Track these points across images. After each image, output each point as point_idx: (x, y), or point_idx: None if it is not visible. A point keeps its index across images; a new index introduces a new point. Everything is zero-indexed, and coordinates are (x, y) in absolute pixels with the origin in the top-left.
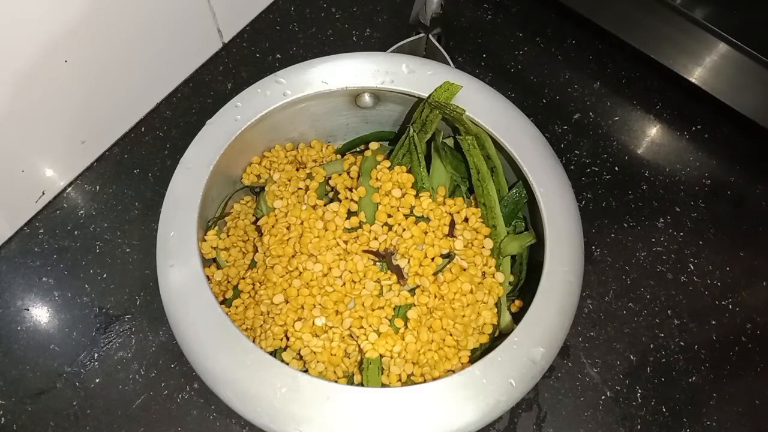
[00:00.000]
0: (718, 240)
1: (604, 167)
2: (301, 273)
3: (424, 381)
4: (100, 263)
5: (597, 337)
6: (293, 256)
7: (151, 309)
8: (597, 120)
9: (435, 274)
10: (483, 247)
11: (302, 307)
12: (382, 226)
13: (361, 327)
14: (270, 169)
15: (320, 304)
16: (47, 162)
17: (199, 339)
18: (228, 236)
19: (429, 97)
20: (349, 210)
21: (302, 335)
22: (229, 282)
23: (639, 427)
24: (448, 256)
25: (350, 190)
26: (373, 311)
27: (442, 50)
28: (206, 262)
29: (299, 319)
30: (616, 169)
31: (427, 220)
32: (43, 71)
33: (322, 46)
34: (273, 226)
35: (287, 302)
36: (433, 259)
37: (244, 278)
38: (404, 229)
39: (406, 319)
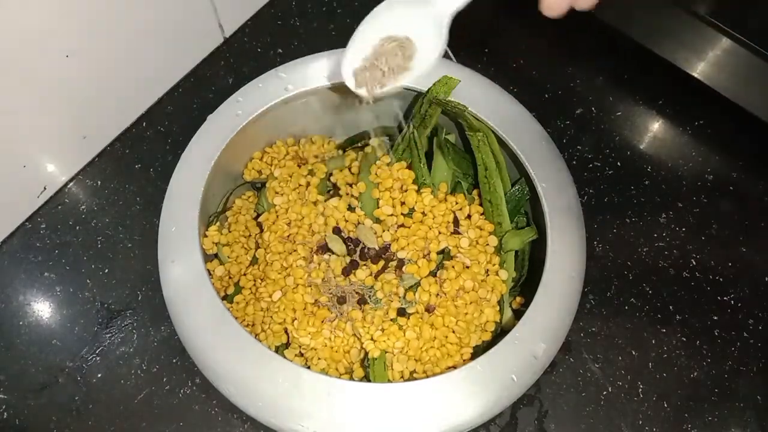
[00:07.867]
0: (720, 236)
1: (606, 162)
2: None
3: (426, 378)
4: (102, 258)
5: (599, 332)
6: (290, 254)
7: (153, 304)
8: (599, 115)
9: (434, 271)
10: (487, 244)
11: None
12: (376, 222)
13: (364, 326)
14: (271, 165)
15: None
16: (49, 157)
17: (201, 334)
18: (229, 232)
19: (427, 91)
20: (349, 205)
21: (299, 336)
22: (230, 278)
23: (640, 422)
24: (443, 252)
25: (351, 185)
26: (375, 310)
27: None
28: (208, 258)
29: (295, 319)
30: (619, 164)
31: (424, 215)
32: (44, 66)
33: (324, 41)
34: (273, 223)
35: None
36: (428, 254)
37: (245, 274)
38: (401, 225)
39: (407, 316)
